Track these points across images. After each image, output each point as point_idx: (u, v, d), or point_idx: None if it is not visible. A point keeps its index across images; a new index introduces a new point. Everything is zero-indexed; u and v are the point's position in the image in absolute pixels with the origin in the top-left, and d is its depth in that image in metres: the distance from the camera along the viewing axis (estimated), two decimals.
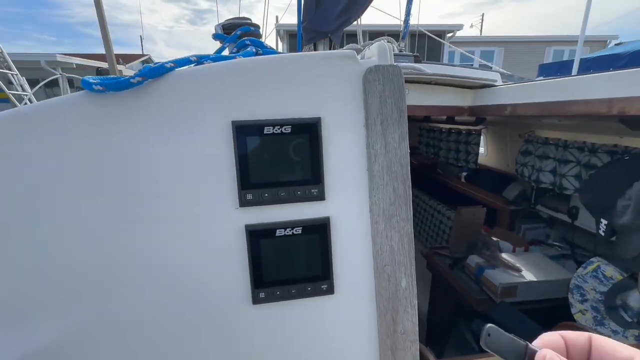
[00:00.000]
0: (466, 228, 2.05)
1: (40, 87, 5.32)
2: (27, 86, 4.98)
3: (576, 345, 0.32)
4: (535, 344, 0.32)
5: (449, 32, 10.88)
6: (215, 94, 0.63)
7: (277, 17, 7.37)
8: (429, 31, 5.58)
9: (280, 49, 9.76)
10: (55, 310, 0.63)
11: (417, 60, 2.29)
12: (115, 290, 0.65)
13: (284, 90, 0.65)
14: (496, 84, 1.54)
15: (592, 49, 11.29)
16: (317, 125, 0.66)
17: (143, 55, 16.38)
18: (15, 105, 4.55)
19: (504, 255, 1.85)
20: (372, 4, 2.73)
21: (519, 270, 1.71)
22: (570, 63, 6.17)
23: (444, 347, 1.88)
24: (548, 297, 1.58)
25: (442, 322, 1.97)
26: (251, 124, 0.64)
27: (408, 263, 0.72)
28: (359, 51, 0.78)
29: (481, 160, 2.76)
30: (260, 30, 0.92)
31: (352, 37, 3.90)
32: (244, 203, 0.66)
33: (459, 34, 11.39)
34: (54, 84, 6.43)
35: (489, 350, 0.31)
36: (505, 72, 3.10)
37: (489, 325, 0.32)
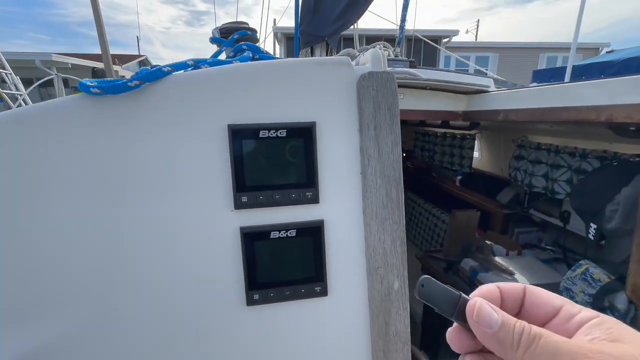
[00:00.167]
0: (460, 231, 2.07)
1: (34, 87, 5.28)
2: (21, 85, 4.93)
3: (510, 294, 0.32)
4: (473, 294, 0.31)
5: (444, 38, 11.01)
6: (212, 98, 0.64)
7: (274, 19, 7.41)
8: (425, 36, 5.64)
9: (277, 51, 9.79)
10: (52, 311, 0.63)
11: (413, 65, 2.32)
12: (110, 291, 0.65)
13: (280, 95, 0.67)
14: (489, 89, 1.57)
15: (584, 56, 11.49)
16: (312, 129, 0.67)
17: (140, 55, 16.32)
18: (8, 105, 4.51)
19: (497, 259, 1.87)
20: (368, 9, 2.76)
21: (512, 274, 1.73)
22: (563, 69, 6.28)
23: (438, 350, 1.89)
24: None
25: (437, 325, 1.98)
26: (247, 127, 0.65)
27: (400, 265, 0.73)
28: (355, 56, 0.80)
29: (475, 164, 2.79)
30: (258, 34, 0.93)
31: (348, 41, 3.92)
32: (239, 205, 0.67)
33: (454, 39, 11.53)
34: (49, 83, 6.39)
35: (422, 301, 0.31)
36: (499, 77, 3.14)
37: (424, 276, 0.31)
